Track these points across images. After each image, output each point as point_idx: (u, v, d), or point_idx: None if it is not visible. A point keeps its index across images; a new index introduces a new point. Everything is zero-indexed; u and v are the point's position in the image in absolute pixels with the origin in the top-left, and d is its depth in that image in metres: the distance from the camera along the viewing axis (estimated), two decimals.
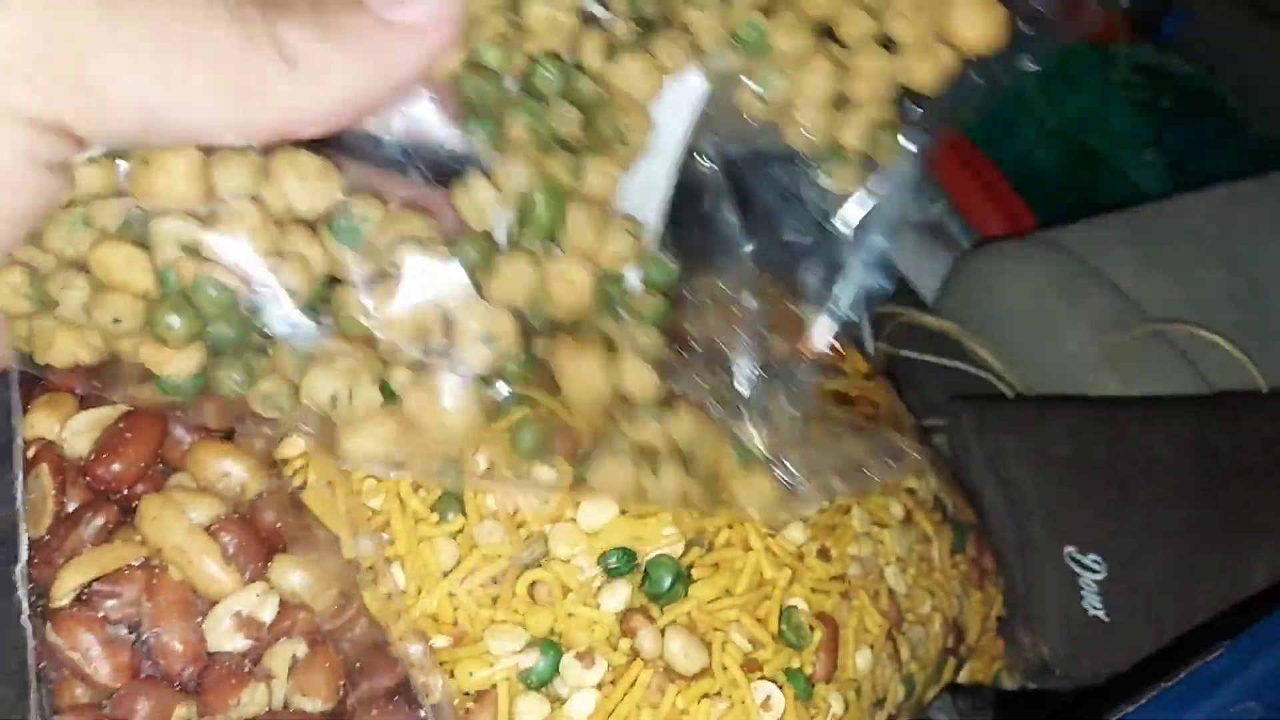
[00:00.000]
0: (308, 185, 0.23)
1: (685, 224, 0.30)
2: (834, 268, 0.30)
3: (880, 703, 0.38)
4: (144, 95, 0.20)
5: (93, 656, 0.31)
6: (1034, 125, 0.77)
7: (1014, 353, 0.56)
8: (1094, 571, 0.45)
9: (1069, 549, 0.45)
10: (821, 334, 0.31)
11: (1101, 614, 0.44)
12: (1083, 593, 0.44)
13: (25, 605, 0.30)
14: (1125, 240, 0.62)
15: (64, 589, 0.31)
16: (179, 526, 0.31)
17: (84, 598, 0.31)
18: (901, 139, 0.28)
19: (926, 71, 0.28)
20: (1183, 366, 0.55)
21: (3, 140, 0.19)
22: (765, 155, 0.30)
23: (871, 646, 0.37)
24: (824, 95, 0.27)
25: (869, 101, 0.28)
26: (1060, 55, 0.79)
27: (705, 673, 0.33)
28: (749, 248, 0.31)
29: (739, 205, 0.30)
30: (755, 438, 0.30)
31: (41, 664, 0.31)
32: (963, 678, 0.44)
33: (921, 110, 0.29)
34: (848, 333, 0.48)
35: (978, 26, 0.27)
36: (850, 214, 0.30)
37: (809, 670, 0.35)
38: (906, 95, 0.29)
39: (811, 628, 0.35)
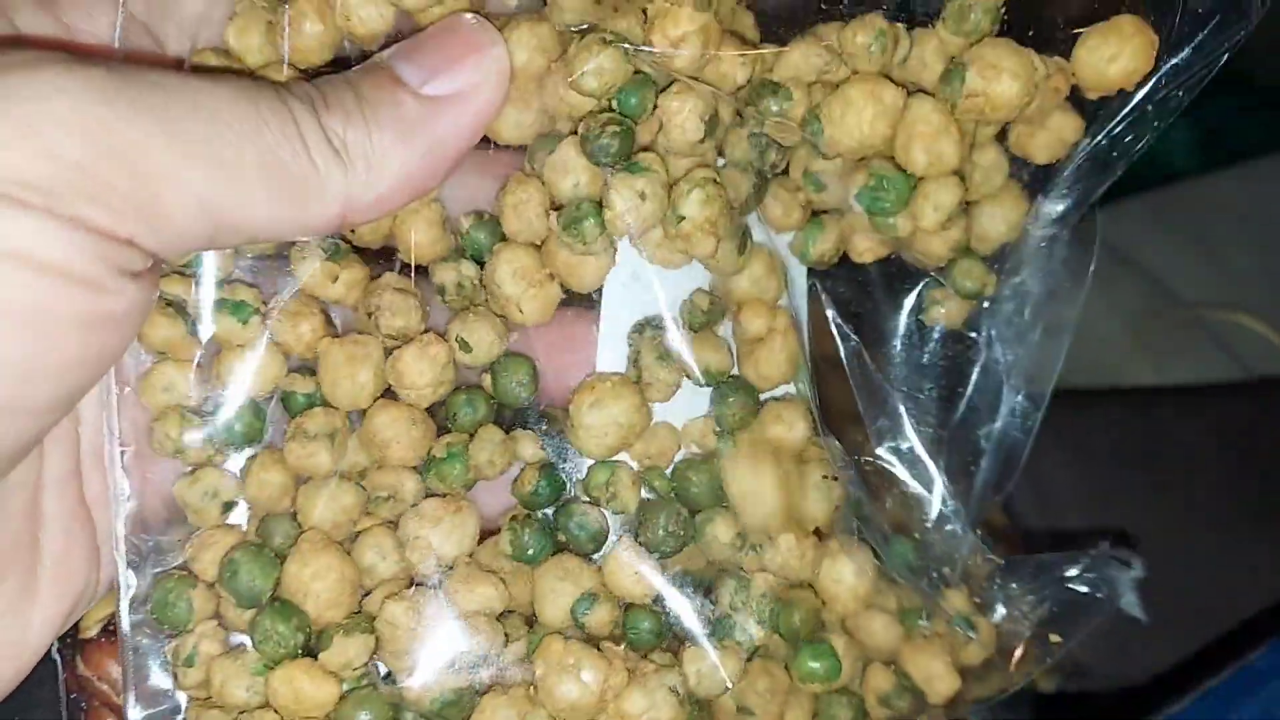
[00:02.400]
0: None
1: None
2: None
3: None
4: (205, 202, 0.20)
5: (121, 687, 0.31)
6: None
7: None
8: (1130, 568, 0.44)
9: (1104, 545, 0.44)
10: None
11: (1139, 612, 0.44)
12: (1119, 591, 0.44)
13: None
14: (1154, 222, 0.60)
15: (92, 620, 0.32)
16: None
17: (112, 629, 0.32)
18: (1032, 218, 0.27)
19: (1044, 146, 0.26)
20: (1219, 352, 0.54)
21: (79, 244, 0.19)
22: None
23: None
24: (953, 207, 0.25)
25: (990, 193, 0.26)
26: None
27: None
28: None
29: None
30: None
31: (72, 694, 0.32)
32: None
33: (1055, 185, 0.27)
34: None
35: (1123, 59, 0.24)
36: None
37: None
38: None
39: None
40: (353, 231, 0.25)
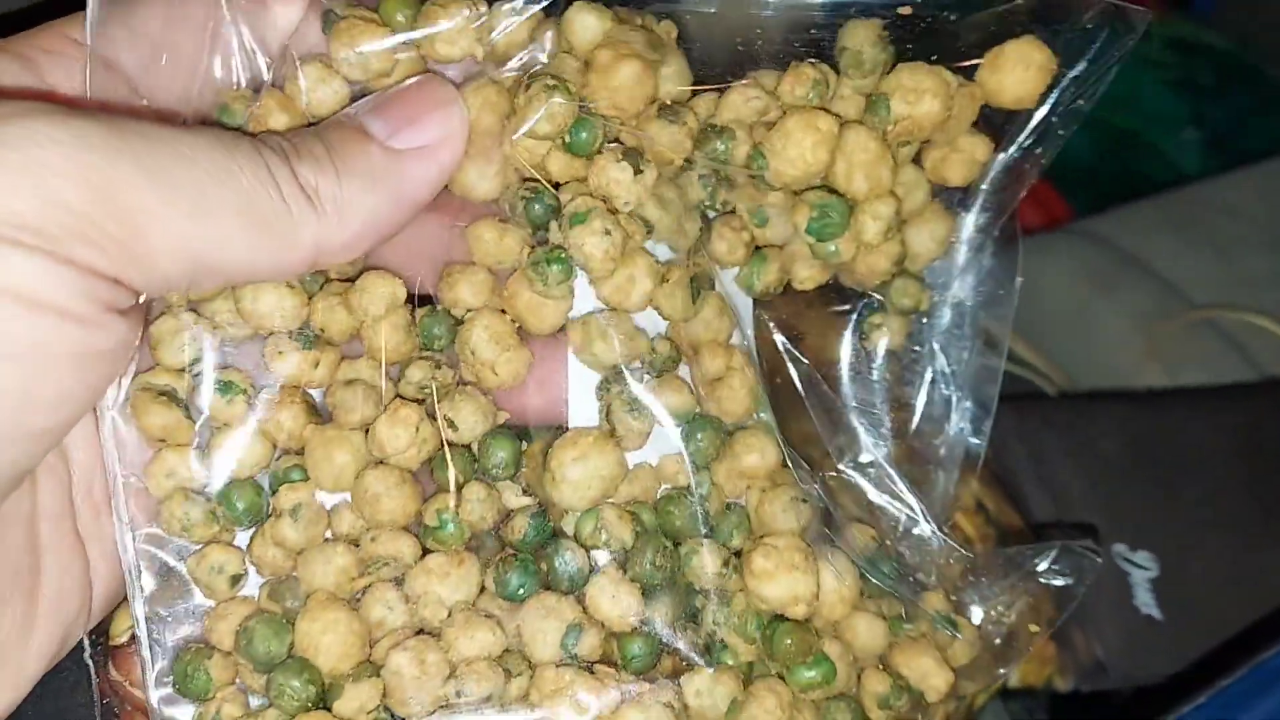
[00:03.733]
0: None
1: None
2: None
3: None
4: (187, 243, 0.21)
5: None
6: None
7: (1054, 349, 0.55)
8: (1145, 569, 0.44)
9: (1118, 547, 0.45)
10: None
11: (1155, 612, 0.44)
12: (1134, 591, 0.44)
13: (87, 644, 0.31)
14: (1164, 225, 0.61)
15: (121, 627, 0.32)
16: None
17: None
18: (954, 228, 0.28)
19: (957, 169, 0.28)
20: (1230, 353, 0.54)
21: (71, 283, 0.20)
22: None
23: None
24: (887, 228, 0.27)
25: (915, 211, 0.28)
26: None
27: None
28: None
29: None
30: None
31: (105, 700, 0.32)
32: (1014, 682, 0.43)
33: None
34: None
35: (1025, 77, 0.26)
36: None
37: None
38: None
39: None
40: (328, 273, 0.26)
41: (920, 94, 0.25)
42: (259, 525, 0.26)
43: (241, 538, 0.26)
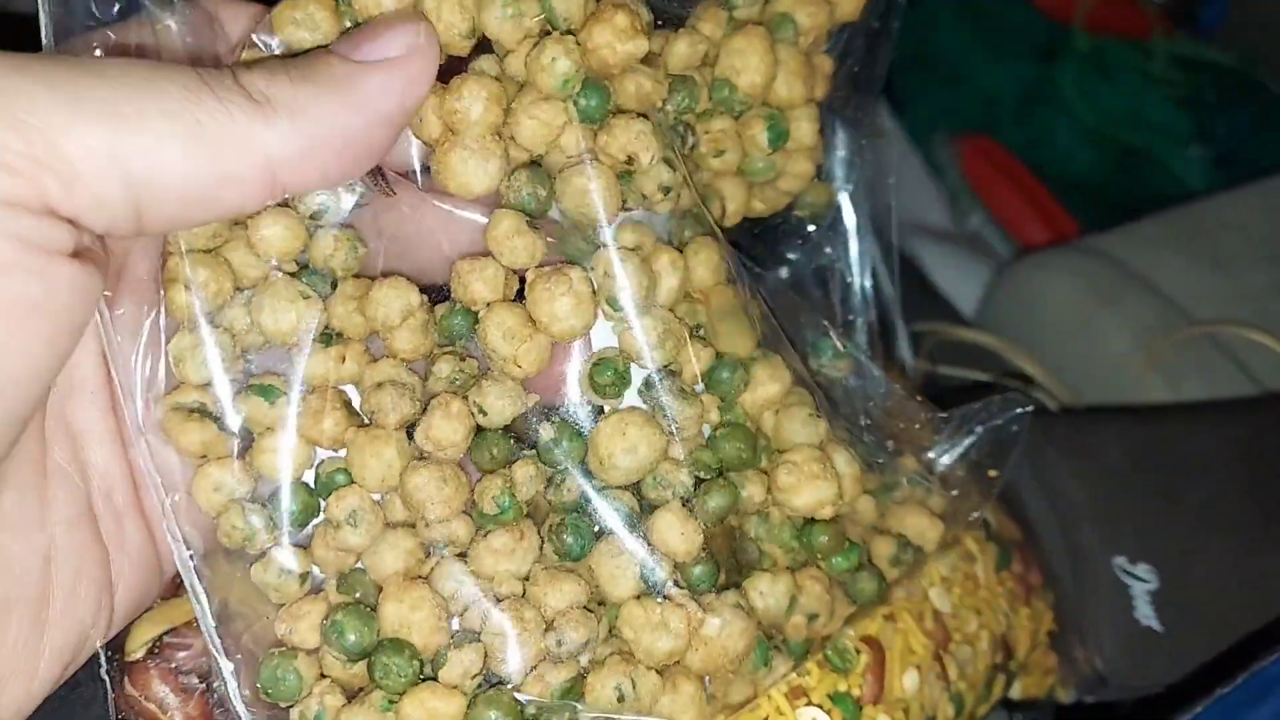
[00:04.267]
0: None
1: None
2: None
3: None
4: (117, 164, 0.20)
5: (168, 706, 0.32)
6: (1071, 127, 0.76)
7: (1057, 364, 0.56)
8: (1145, 581, 0.44)
9: (1119, 559, 0.45)
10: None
11: (1155, 624, 0.44)
12: (1134, 603, 0.44)
13: (103, 659, 0.32)
14: (1168, 241, 0.61)
15: (137, 642, 0.33)
16: None
17: (156, 650, 0.33)
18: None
19: (819, 85, 0.31)
20: (1231, 368, 0.54)
21: None
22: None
23: (918, 667, 0.37)
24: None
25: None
26: (1095, 52, 0.78)
27: (750, 700, 0.34)
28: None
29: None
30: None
31: (121, 715, 0.33)
32: (1017, 693, 0.44)
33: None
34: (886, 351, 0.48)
35: None
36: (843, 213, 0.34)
37: (856, 693, 0.35)
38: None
39: (856, 651, 0.36)
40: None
41: (818, 6, 0.29)
42: (313, 525, 0.26)
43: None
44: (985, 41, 0.80)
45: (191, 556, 0.26)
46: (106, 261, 0.22)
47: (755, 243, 0.33)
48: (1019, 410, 0.33)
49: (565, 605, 0.26)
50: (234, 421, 0.26)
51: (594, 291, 0.26)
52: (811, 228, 0.34)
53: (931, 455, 0.34)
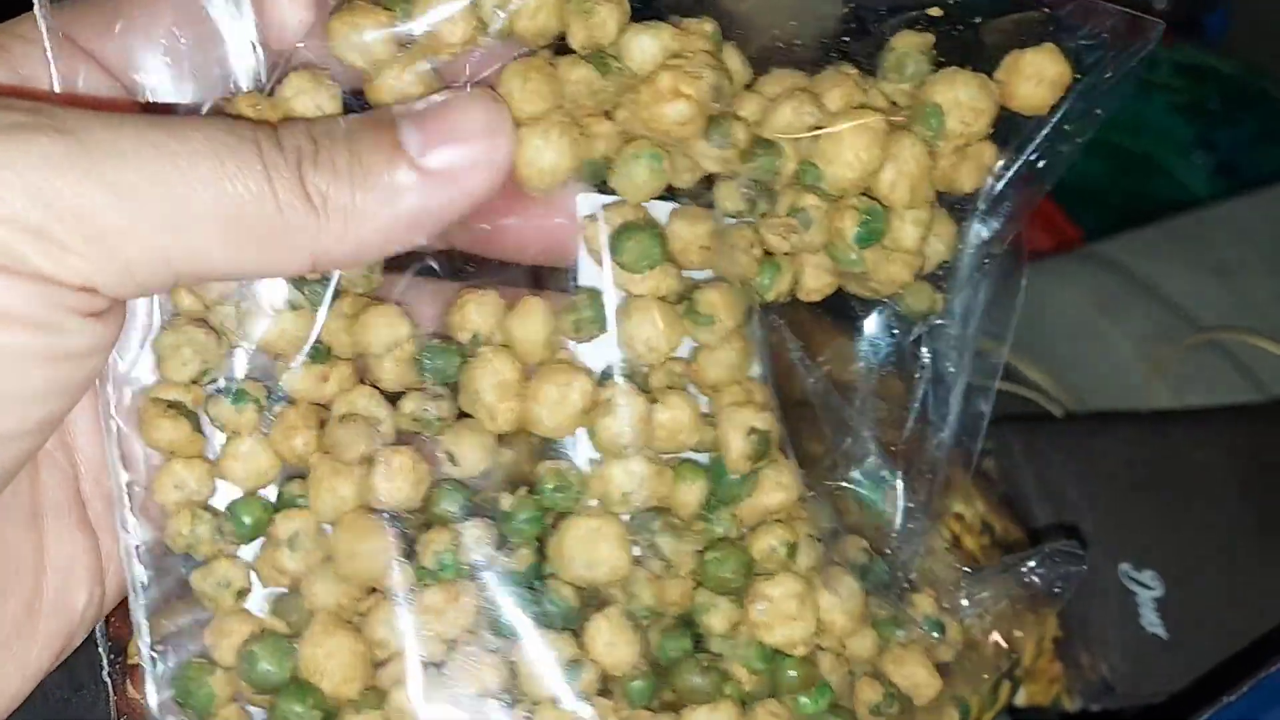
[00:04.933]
0: None
1: None
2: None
3: None
4: (163, 256, 0.21)
5: (171, 709, 0.32)
6: None
7: (1062, 371, 0.56)
8: (1150, 588, 0.44)
9: (1124, 566, 0.45)
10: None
11: (1160, 631, 0.44)
12: (1140, 610, 0.44)
13: (105, 662, 0.32)
14: (1172, 248, 0.61)
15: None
16: None
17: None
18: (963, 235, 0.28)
19: (969, 175, 0.27)
20: (1236, 375, 0.54)
21: (38, 295, 0.20)
22: None
23: None
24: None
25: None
26: None
27: None
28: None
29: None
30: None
31: (123, 716, 0.33)
32: (1022, 701, 0.43)
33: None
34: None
35: (1043, 83, 0.26)
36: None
37: None
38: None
39: None
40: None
41: (979, 114, 0.25)
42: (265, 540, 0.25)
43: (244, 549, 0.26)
44: None
45: (138, 547, 0.25)
46: (125, 310, 0.23)
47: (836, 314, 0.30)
48: (1069, 569, 0.29)
49: (478, 693, 0.24)
50: (211, 424, 0.25)
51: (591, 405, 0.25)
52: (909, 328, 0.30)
53: (958, 603, 0.30)
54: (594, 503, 0.25)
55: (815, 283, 0.28)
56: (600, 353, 0.26)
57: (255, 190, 0.21)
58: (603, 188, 0.25)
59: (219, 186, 0.21)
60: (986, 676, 0.30)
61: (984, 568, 0.30)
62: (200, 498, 0.25)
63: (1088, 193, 0.74)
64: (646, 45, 0.24)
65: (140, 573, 0.25)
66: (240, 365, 0.25)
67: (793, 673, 0.26)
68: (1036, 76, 0.25)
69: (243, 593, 0.25)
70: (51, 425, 0.22)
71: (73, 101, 0.23)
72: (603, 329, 0.25)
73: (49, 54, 0.23)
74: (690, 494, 0.26)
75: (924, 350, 0.29)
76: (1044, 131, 0.27)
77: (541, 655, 0.24)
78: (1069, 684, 0.45)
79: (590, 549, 0.25)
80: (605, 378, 0.25)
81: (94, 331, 0.22)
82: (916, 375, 0.30)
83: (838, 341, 0.30)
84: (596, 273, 0.26)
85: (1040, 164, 0.28)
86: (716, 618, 0.26)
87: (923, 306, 0.29)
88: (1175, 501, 0.46)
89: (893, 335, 0.30)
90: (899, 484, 0.29)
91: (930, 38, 0.26)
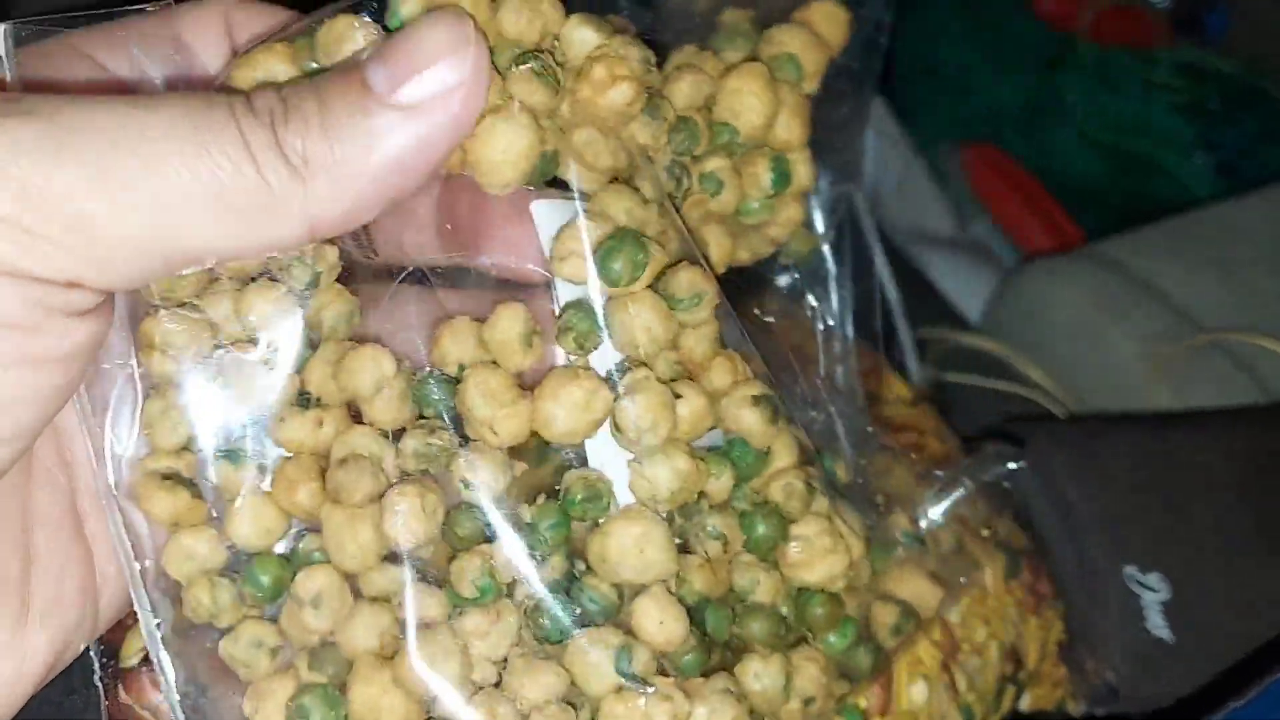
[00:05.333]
0: None
1: None
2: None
3: None
4: (148, 240, 0.20)
5: (162, 714, 0.32)
6: (1075, 135, 0.76)
7: (1063, 372, 0.55)
8: (1156, 591, 0.44)
9: (1129, 569, 0.44)
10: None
11: (1166, 635, 0.43)
12: (1145, 613, 0.43)
13: (97, 666, 0.31)
14: (1174, 248, 0.61)
15: (132, 649, 0.33)
16: None
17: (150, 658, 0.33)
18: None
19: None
20: (1240, 375, 0.54)
21: (14, 293, 0.19)
22: None
23: (926, 678, 0.37)
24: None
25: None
26: (1100, 61, 0.78)
27: None
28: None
29: None
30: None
31: None
32: (1026, 705, 0.43)
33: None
34: (890, 358, 0.48)
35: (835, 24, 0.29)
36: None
37: (864, 705, 0.35)
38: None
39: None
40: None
41: (823, 49, 0.28)
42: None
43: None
44: (990, 51, 0.80)
45: (159, 625, 0.24)
46: (113, 306, 0.23)
47: (736, 291, 0.31)
48: (1010, 466, 0.32)
49: (542, 699, 0.24)
50: (209, 488, 0.24)
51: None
52: (794, 275, 0.33)
53: (921, 512, 0.32)
54: (630, 501, 0.25)
55: (719, 253, 0.29)
56: (597, 359, 0.25)
57: (234, 157, 0.20)
58: (552, 183, 0.26)
59: (197, 157, 0.20)
60: (967, 578, 0.33)
61: (933, 476, 0.33)
62: (213, 565, 0.25)
63: (1088, 193, 0.74)
64: (588, 37, 0.24)
65: (164, 654, 0.24)
66: (235, 423, 0.24)
67: (820, 610, 0.27)
68: (827, 19, 0.29)
69: (276, 650, 0.25)
70: (34, 433, 0.22)
71: (42, 88, 0.22)
72: (601, 338, 0.25)
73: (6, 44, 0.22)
74: (721, 483, 0.26)
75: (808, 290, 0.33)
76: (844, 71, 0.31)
77: (593, 651, 0.24)
78: (1073, 688, 0.45)
79: (639, 555, 0.24)
80: (609, 381, 0.25)
81: (80, 331, 0.21)
82: (810, 309, 0.33)
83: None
84: (571, 289, 0.25)
85: (846, 104, 0.31)
86: (760, 593, 0.26)
87: (807, 247, 0.31)
88: (1180, 503, 0.45)
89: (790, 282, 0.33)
90: (831, 408, 0.31)
91: (749, 11, 0.29)
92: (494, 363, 0.25)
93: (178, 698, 0.24)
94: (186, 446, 0.24)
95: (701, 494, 0.26)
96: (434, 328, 0.25)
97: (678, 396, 0.25)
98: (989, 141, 0.77)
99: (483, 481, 0.24)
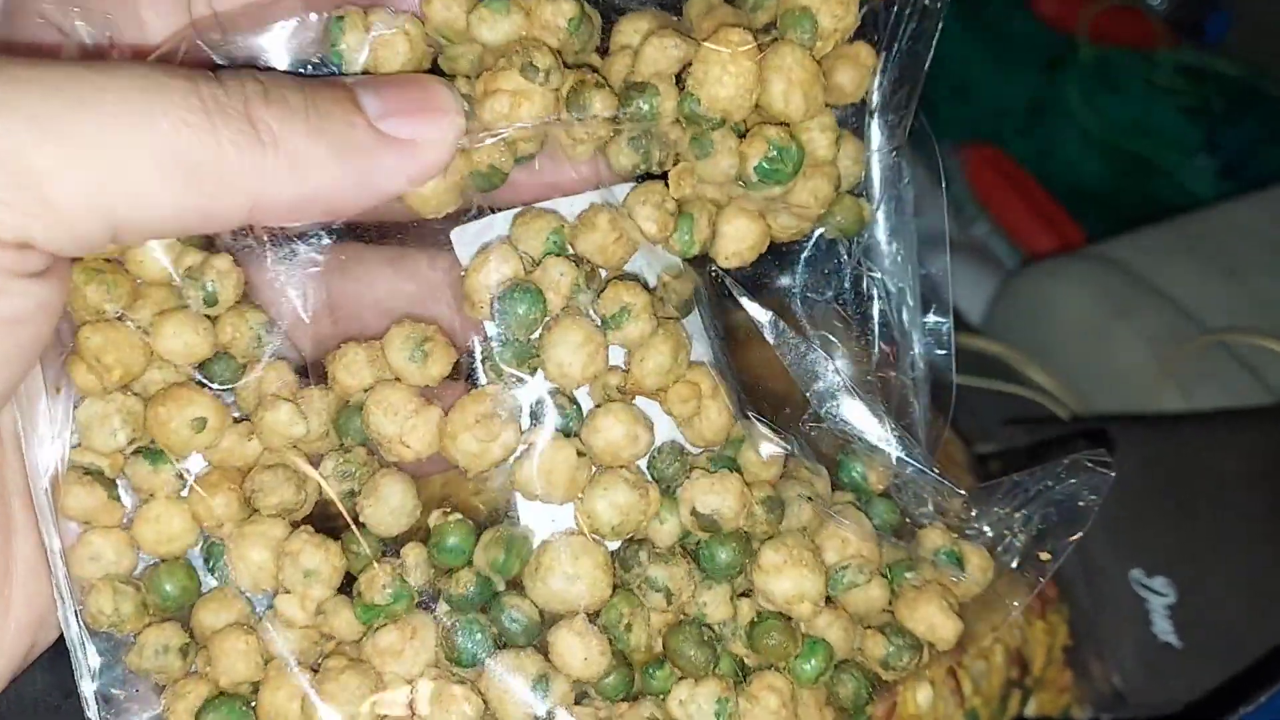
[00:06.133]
0: None
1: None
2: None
3: None
4: (99, 200, 0.20)
5: None
6: (1077, 137, 0.76)
7: (1068, 373, 0.55)
8: (1163, 595, 0.43)
9: (1135, 572, 0.44)
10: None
11: (1173, 639, 0.43)
12: (1152, 617, 0.43)
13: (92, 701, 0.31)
14: (1178, 249, 0.60)
15: None
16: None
17: None
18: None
19: (851, 80, 0.26)
20: (1246, 376, 0.53)
21: None
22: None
23: (931, 683, 0.36)
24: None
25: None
26: (1100, 62, 0.78)
27: None
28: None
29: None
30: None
31: None
32: (1031, 711, 0.43)
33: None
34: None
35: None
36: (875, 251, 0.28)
37: (869, 711, 0.34)
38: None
39: None
40: None
41: (847, 5, 0.25)
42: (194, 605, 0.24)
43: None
44: (990, 52, 0.79)
45: (78, 614, 0.24)
46: (69, 270, 0.22)
47: (770, 270, 0.28)
48: (1098, 474, 0.26)
49: None
50: (126, 490, 0.24)
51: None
52: (843, 254, 0.29)
53: (974, 529, 0.27)
54: (570, 529, 0.24)
55: (747, 243, 0.26)
56: (529, 391, 0.24)
57: (191, 122, 0.20)
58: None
59: (151, 118, 0.20)
60: (1016, 608, 0.27)
61: (988, 487, 0.27)
62: (120, 570, 0.24)
63: (1091, 195, 0.74)
64: (505, 28, 0.24)
65: (80, 640, 0.24)
66: None
67: (771, 638, 0.24)
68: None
69: (185, 648, 0.24)
70: (4, 392, 0.21)
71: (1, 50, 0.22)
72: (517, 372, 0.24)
73: None
74: (666, 529, 0.25)
75: (871, 268, 0.28)
76: (908, 12, 0.27)
77: (509, 678, 0.23)
78: (1079, 694, 0.44)
79: (573, 562, 0.24)
80: (535, 416, 0.24)
81: (34, 293, 0.20)
82: (870, 297, 0.28)
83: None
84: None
85: (912, 45, 0.27)
86: (713, 609, 0.25)
87: (853, 221, 0.27)
88: (1186, 506, 0.45)
89: (836, 263, 0.28)
90: (883, 414, 0.27)
91: None
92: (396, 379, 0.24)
93: (93, 686, 0.24)
94: (119, 449, 0.24)
95: (644, 540, 0.25)
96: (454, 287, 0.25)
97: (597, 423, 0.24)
98: (989, 143, 0.76)
99: (384, 505, 0.24)
